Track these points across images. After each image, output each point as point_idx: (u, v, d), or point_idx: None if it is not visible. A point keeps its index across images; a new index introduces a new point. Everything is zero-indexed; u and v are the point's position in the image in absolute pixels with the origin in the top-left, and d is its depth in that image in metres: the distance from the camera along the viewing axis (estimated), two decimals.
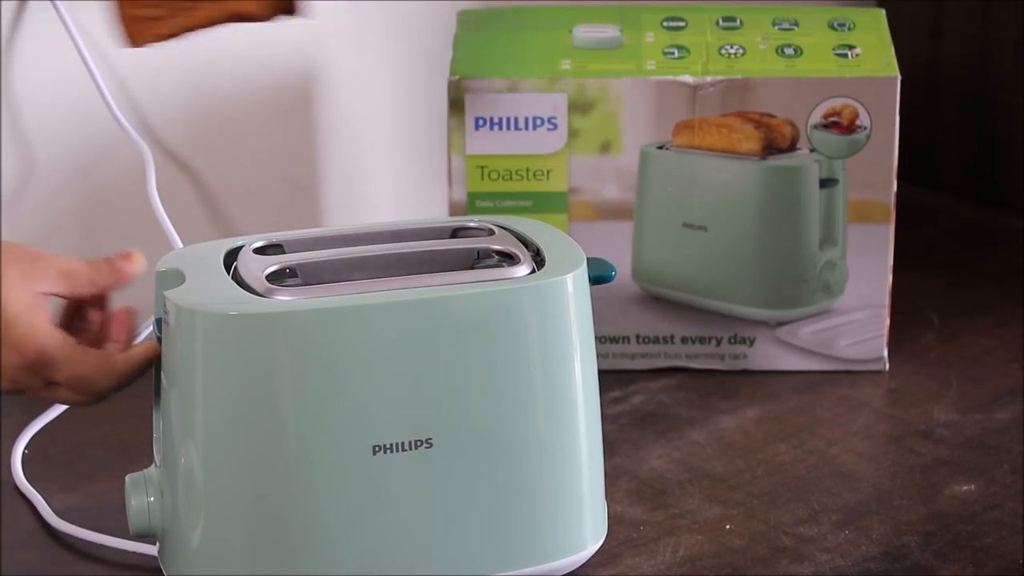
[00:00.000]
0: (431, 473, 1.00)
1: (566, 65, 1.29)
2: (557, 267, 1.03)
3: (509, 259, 1.04)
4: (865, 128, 1.28)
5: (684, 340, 1.33)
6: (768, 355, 1.33)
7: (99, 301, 1.06)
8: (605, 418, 1.08)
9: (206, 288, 1.01)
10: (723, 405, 1.28)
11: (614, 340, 1.33)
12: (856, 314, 1.32)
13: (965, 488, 1.16)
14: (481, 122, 1.28)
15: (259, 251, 1.05)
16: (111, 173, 1.37)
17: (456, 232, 1.09)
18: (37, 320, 0.99)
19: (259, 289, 1.00)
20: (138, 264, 1.05)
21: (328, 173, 1.49)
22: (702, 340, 1.33)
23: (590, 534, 1.05)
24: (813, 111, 1.28)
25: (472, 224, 1.10)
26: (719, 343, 1.33)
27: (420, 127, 1.52)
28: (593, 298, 1.05)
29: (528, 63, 1.29)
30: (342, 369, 0.98)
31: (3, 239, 1.33)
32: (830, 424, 1.25)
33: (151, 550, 1.07)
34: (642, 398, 1.29)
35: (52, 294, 1.01)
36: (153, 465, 1.07)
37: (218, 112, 1.42)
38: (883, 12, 1.35)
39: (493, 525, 1.02)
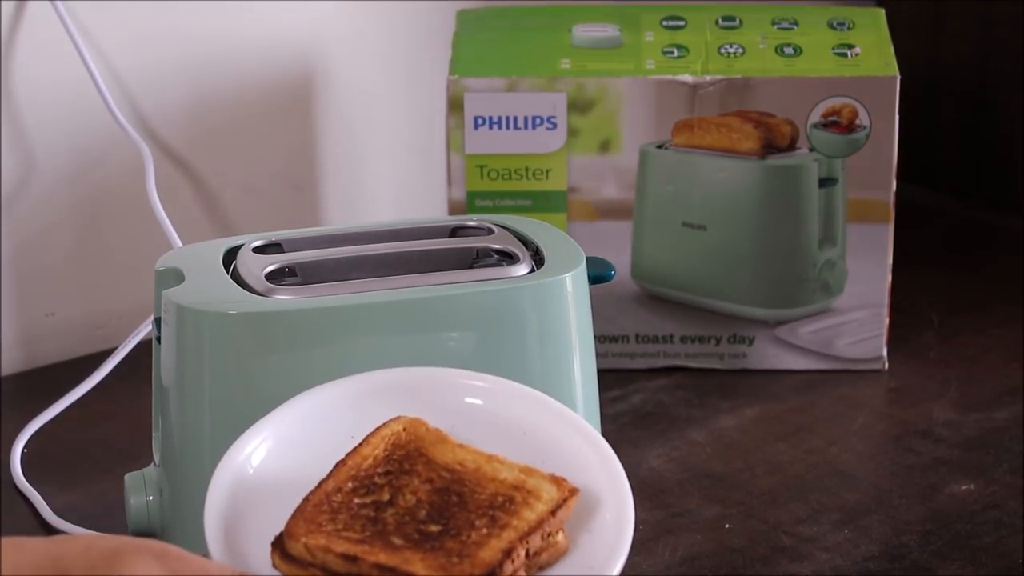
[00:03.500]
0: None
1: (565, 64, 1.29)
2: (556, 266, 1.03)
3: (508, 258, 1.04)
4: (864, 127, 1.28)
5: (683, 339, 1.33)
6: (767, 354, 1.33)
7: None
8: (604, 417, 1.08)
9: (205, 287, 1.01)
10: (722, 404, 1.28)
11: (613, 339, 1.33)
12: (855, 313, 1.32)
13: (964, 488, 1.16)
14: (480, 121, 1.28)
15: (258, 250, 1.05)
16: (110, 172, 1.37)
17: (455, 231, 1.09)
18: None
19: (258, 288, 1.00)
20: None
21: (327, 172, 1.49)
22: (701, 339, 1.33)
23: None
24: (812, 110, 1.28)
25: (471, 223, 1.10)
26: (718, 342, 1.33)
27: (419, 126, 1.52)
28: (592, 297, 1.05)
29: (527, 62, 1.29)
30: (341, 368, 0.97)
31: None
32: (829, 423, 1.25)
33: None
34: (641, 397, 1.29)
35: None
36: (152, 464, 1.07)
37: (217, 111, 1.41)
38: (883, 12, 1.35)
39: None
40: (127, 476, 1.06)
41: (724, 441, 1.23)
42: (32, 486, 1.16)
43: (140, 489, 1.04)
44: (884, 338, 1.32)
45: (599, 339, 1.30)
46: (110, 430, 1.24)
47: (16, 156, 1.33)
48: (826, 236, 1.30)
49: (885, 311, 1.32)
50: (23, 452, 1.21)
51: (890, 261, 1.31)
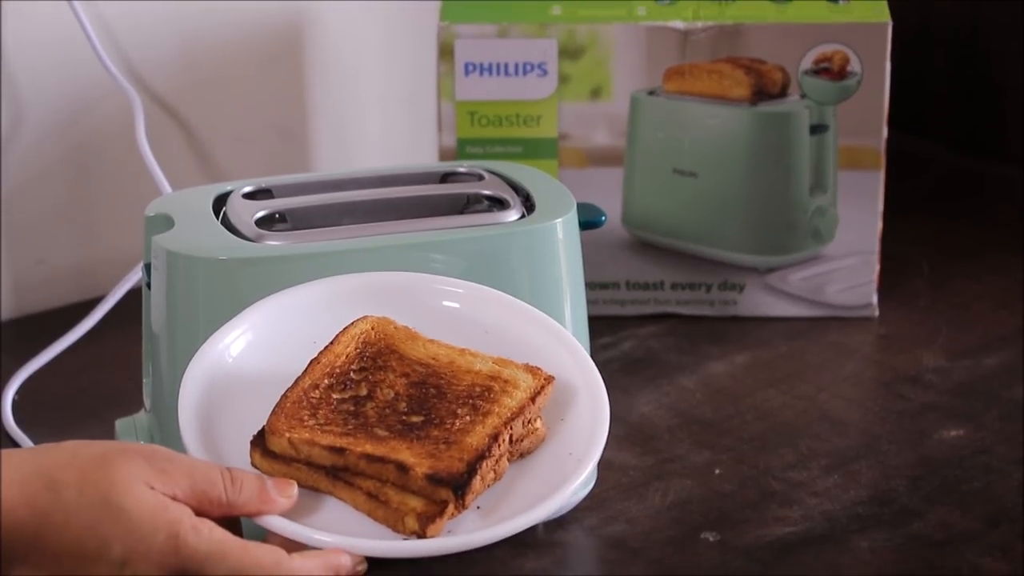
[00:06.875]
0: None
1: (556, 11, 1.29)
2: (547, 212, 1.03)
3: (499, 204, 1.04)
4: (856, 74, 1.28)
5: (674, 286, 1.33)
6: (758, 301, 1.33)
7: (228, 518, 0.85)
8: (594, 364, 1.08)
9: (195, 233, 1.01)
10: (713, 351, 1.28)
11: (604, 286, 1.33)
12: (846, 260, 1.32)
13: (954, 433, 1.16)
14: (471, 68, 1.27)
15: (248, 196, 1.05)
16: (100, 120, 1.37)
17: (446, 177, 1.09)
18: (172, 521, 0.80)
19: (248, 234, 1.00)
20: (293, 498, 0.84)
21: (318, 119, 1.49)
22: (692, 286, 1.33)
23: None
24: (804, 57, 1.27)
25: (462, 169, 1.09)
26: (709, 289, 1.33)
27: (410, 73, 1.52)
28: (583, 244, 1.05)
29: (518, 9, 1.29)
30: None
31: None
32: (819, 370, 1.26)
33: None
34: (632, 344, 1.29)
35: (180, 501, 0.82)
36: (143, 410, 1.07)
37: (207, 58, 1.41)
38: None
39: None
40: (118, 422, 1.06)
41: (714, 387, 1.23)
42: (23, 432, 1.16)
43: (131, 435, 1.04)
44: (874, 285, 1.33)
45: (590, 286, 1.29)
46: (101, 377, 1.24)
47: (6, 105, 1.32)
48: (817, 183, 1.30)
49: (875, 258, 1.32)
50: (14, 399, 1.21)
51: (881, 208, 1.31)
